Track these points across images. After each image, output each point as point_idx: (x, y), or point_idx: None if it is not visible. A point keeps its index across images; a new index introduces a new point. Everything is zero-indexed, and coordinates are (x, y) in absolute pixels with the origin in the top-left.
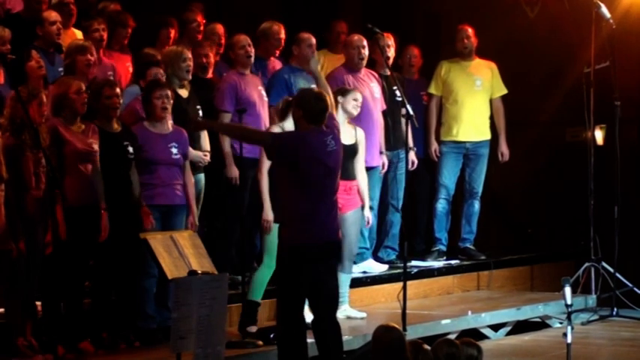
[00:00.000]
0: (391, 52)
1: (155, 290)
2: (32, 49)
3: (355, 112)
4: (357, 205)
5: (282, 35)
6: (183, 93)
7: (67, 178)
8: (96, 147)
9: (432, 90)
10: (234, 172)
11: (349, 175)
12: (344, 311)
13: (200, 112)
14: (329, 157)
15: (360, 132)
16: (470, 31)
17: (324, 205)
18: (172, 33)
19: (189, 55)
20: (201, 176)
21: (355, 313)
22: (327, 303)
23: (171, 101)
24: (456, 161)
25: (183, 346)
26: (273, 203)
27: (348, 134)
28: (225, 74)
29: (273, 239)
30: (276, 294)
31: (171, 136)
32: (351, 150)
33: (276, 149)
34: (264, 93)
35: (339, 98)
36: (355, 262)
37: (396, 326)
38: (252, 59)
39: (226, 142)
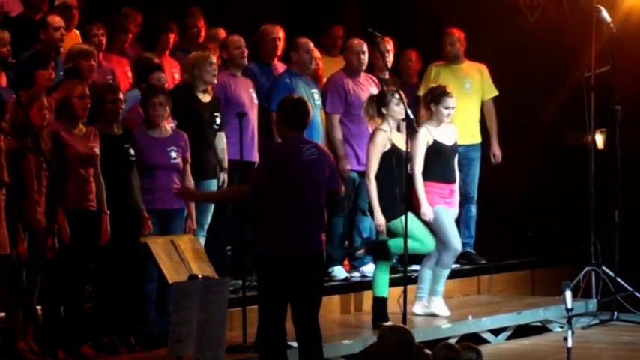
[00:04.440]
0: (390, 57)
1: (156, 294)
2: (51, 59)
3: (446, 120)
4: (456, 207)
5: (279, 35)
6: (205, 98)
7: (68, 183)
8: (97, 150)
9: (422, 93)
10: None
11: (454, 179)
12: (431, 306)
13: (218, 120)
14: (306, 165)
15: (456, 130)
16: (456, 35)
17: (303, 216)
18: (172, 38)
19: (215, 60)
20: (212, 182)
21: (442, 311)
22: (308, 312)
23: (167, 107)
24: None
25: (181, 350)
26: None
27: (450, 134)
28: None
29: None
30: (257, 303)
31: (170, 140)
32: (454, 150)
33: (262, 189)
34: (254, 95)
35: (432, 106)
36: (356, 267)
37: (406, 327)
38: (246, 60)
39: None
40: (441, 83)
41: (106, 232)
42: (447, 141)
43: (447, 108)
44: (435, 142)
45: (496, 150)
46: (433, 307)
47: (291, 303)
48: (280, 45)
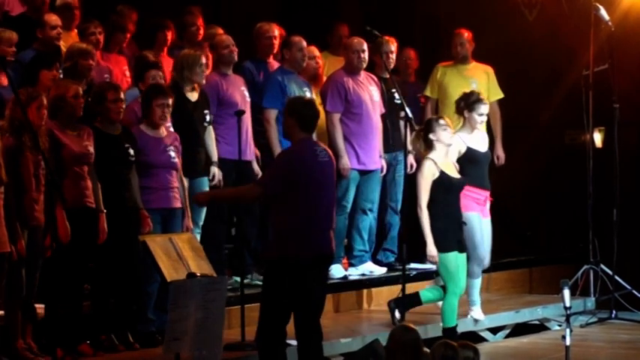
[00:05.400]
0: (394, 57)
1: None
2: (57, 61)
3: (479, 127)
4: (489, 216)
5: (274, 34)
6: (193, 96)
7: (65, 181)
8: (91, 149)
9: (428, 93)
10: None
11: (488, 185)
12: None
13: (207, 117)
14: (320, 167)
15: (487, 137)
16: (466, 36)
17: (314, 219)
18: (170, 36)
19: (205, 60)
20: (205, 180)
21: (480, 316)
22: (313, 310)
23: (171, 109)
24: None
25: (177, 347)
26: None
27: (482, 141)
28: (207, 75)
29: (449, 267)
30: (260, 303)
31: (167, 140)
32: (487, 156)
33: (274, 192)
34: (246, 93)
35: (465, 113)
36: (354, 265)
37: (414, 327)
38: (236, 59)
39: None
40: (447, 83)
41: (103, 231)
42: (480, 147)
43: (480, 115)
44: (469, 149)
45: (500, 152)
46: (475, 315)
47: (298, 303)
48: (276, 43)
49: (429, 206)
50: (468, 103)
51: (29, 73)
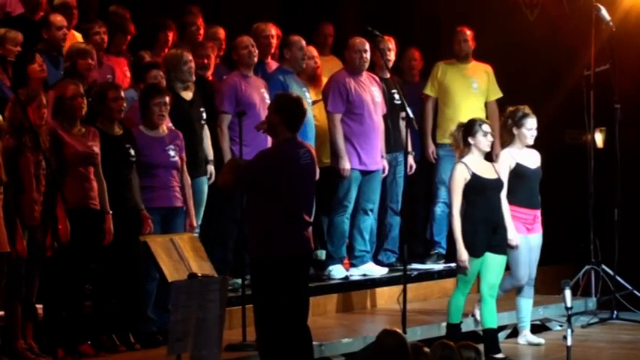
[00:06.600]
0: (392, 56)
1: (156, 293)
2: (36, 52)
3: (530, 142)
4: (540, 231)
5: (272, 33)
6: (187, 95)
7: (67, 181)
8: (97, 150)
9: (428, 91)
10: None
11: (538, 203)
12: (524, 336)
13: (204, 115)
14: (302, 169)
15: (538, 154)
16: (468, 33)
17: (299, 219)
18: (171, 36)
19: (190, 57)
20: (204, 179)
21: (534, 339)
22: (302, 309)
23: (169, 107)
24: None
25: (180, 348)
26: None
27: (533, 158)
28: (227, 76)
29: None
30: (259, 307)
31: (167, 139)
32: (538, 173)
33: (249, 180)
34: (266, 95)
35: (514, 130)
36: (355, 265)
37: (399, 331)
38: (255, 60)
39: (225, 144)
40: (447, 83)
41: (110, 232)
42: (531, 164)
43: (529, 130)
44: (518, 165)
45: (498, 151)
46: (477, 316)
47: (294, 303)
48: (274, 43)
49: (463, 208)
50: (515, 119)
51: (20, 73)
